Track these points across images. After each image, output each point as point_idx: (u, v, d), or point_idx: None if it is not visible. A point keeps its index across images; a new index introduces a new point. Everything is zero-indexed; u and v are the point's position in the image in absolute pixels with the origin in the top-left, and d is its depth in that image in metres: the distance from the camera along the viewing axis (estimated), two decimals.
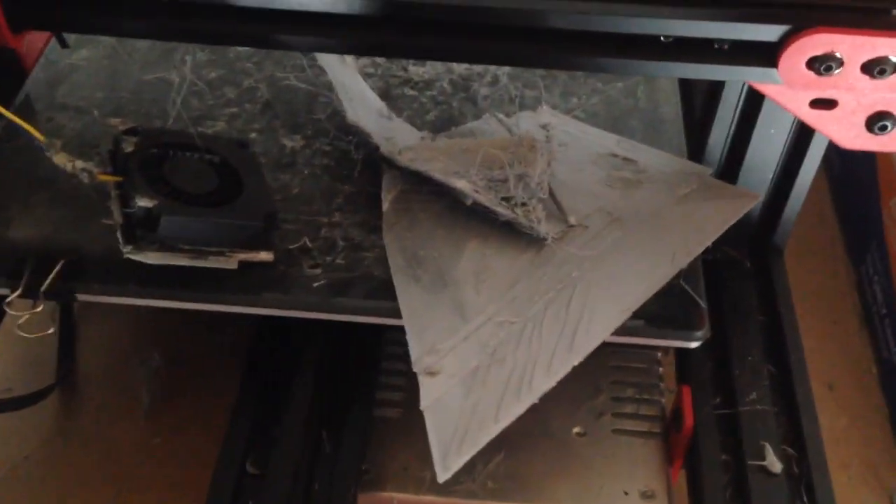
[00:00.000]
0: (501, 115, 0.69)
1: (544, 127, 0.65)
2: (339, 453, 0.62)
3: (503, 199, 0.58)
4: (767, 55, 0.55)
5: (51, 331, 0.64)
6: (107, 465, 0.76)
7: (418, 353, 0.52)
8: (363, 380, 0.66)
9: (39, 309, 0.59)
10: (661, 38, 0.55)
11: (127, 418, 0.81)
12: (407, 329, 0.53)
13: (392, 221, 0.61)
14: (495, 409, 0.49)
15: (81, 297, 0.60)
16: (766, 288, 0.73)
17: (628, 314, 0.55)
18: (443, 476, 0.47)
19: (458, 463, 0.47)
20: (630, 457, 0.67)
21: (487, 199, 0.58)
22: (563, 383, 0.70)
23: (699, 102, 0.72)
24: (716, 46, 0.55)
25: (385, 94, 0.73)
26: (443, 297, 0.55)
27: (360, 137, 0.67)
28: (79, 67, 0.76)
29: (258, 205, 0.59)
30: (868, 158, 0.92)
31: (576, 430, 0.68)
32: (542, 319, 0.54)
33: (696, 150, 0.70)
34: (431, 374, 0.51)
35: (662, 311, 0.57)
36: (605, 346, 0.73)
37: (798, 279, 0.94)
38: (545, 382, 0.50)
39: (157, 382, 0.82)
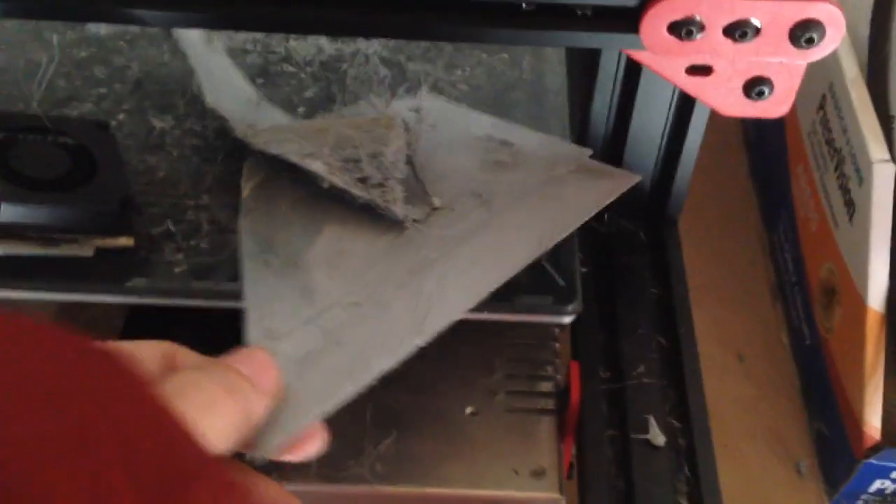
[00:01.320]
0: (376, 100, 0.67)
1: (416, 110, 0.63)
2: None
3: (359, 179, 0.56)
4: (629, 21, 0.53)
5: None
6: None
7: (255, 338, 0.49)
8: None
9: None
10: (523, 5, 0.53)
11: None
12: (246, 313, 0.51)
13: (251, 208, 0.58)
14: (325, 391, 0.47)
15: None
16: (659, 260, 0.72)
17: (482, 296, 0.53)
18: (263, 455, 0.44)
19: (280, 440, 0.45)
20: (522, 435, 0.65)
21: (342, 181, 0.56)
22: (455, 362, 0.69)
23: (581, 72, 0.70)
24: (578, 13, 0.54)
25: (263, 71, 0.70)
26: (291, 281, 0.53)
27: (220, 123, 0.64)
28: None
29: (114, 188, 0.57)
30: (778, 123, 0.92)
31: (469, 409, 0.67)
32: (391, 303, 0.52)
33: (580, 121, 0.68)
34: None
35: (533, 286, 0.56)
36: (499, 324, 0.72)
37: (713, 247, 0.94)
38: (384, 363, 0.48)
39: None
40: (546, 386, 0.69)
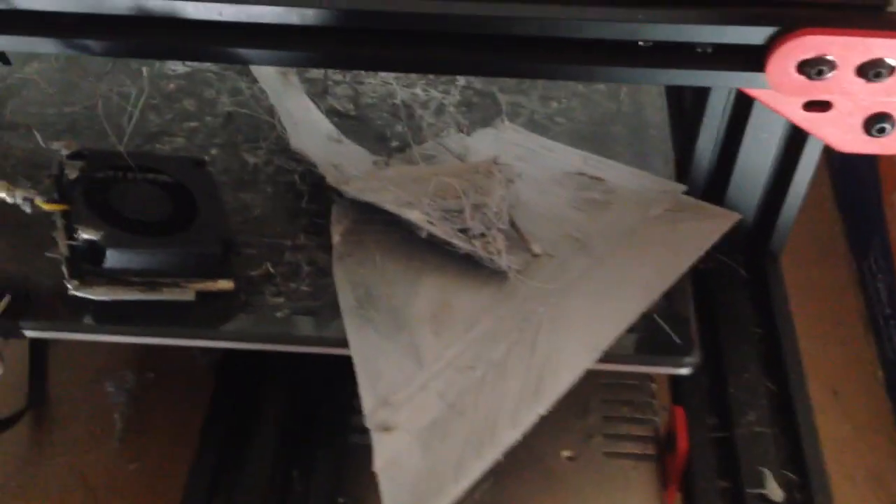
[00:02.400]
0: (451, 136, 0.65)
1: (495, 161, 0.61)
2: (310, 491, 0.58)
3: (460, 230, 0.54)
4: (754, 59, 0.50)
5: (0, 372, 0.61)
6: (83, 495, 0.73)
7: (371, 406, 0.48)
8: (335, 409, 0.63)
9: None
10: (640, 43, 0.51)
11: (101, 444, 0.78)
12: (359, 378, 0.50)
13: (342, 254, 0.57)
14: (455, 469, 0.45)
15: (30, 333, 0.57)
16: (762, 298, 0.69)
17: (598, 353, 0.51)
18: None
19: None
20: (623, 481, 0.63)
21: (443, 231, 0.54)
22: None
23: (687, 105, 0.68)
24: (698, 50, 0.51)
25: (355, 102, 0.69)
26: (398, 340, 0.51)
27: (305, 166, 0.63)
28: (29, 82, 0.72)
29: (215, 230, 0.55)
30: None
31: (565, 453, 0.65)
32: (505, 364, 0.50)
33: (683, 155, 0.66)
34: (387, 430, 0.47)
35: (648, 337, 0.54)
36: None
37: (798, 278, 0.90)
38: (509, 435, 0.47)
39: (131, 404, 0.78)
40: (644, 430, 0.66)
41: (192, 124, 0.68)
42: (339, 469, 0.60)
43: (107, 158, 0.57)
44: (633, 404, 0.68)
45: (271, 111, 0.68)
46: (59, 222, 0.55)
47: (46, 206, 0.54)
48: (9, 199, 0.53)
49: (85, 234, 0.51)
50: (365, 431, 0.62)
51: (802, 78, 0.50)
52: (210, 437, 0.60)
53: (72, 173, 0.55)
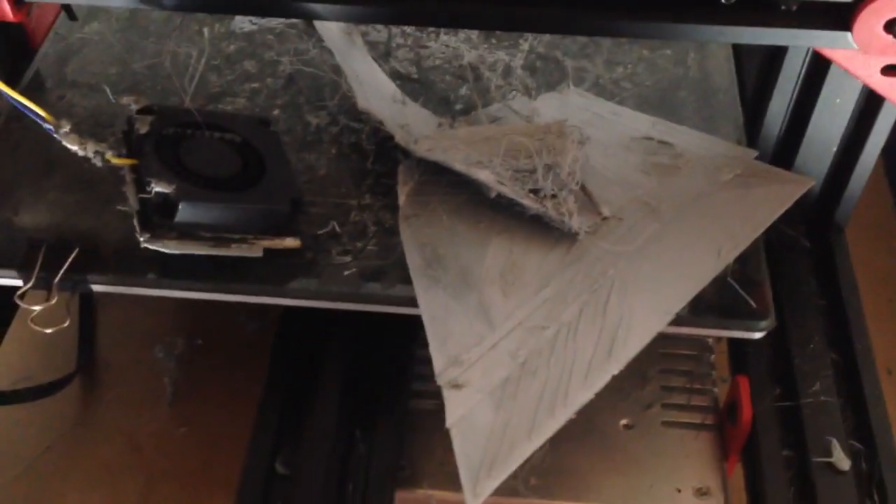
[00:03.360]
0: (517, 99, 0.64)
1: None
2: (373, 451, 0.58)
3: (531, 190, 0.53)
4: (840, 17, 0.49)
5: (66, 324, 0.61)
6: (131, 457, 0.74)
7: (442, 365, 0.48)
8: (397, 371, 0.63)
9: (53, 301, 0.56)
10: (722, 0, 0.50)
11: (151, 407, 0.78)
12: (429, 337, 0.50)
13: (409, 214, 0.56)
14: (528, 427, 0.45)
15: (97, 288, 0.57)
16: (826, 269, 0.68)
17: (670, 317, 0.50)
18: (473, 502, 0.43)
19: (489, 488, 0.44)
20: (682, 451, 0.63)
21: (513, 191, 0.53)
22: None
23: (755, 69, 0.66)
24: (783, 7, 0.50)
25: (418, 65, 0.68)
26: (467, 301, 0.51)
27: (372, 124, 0.62)
28: (90, 42, 0.72)
29: (283, 188, 0.55)
30: None
31: (623, 422, 0.64)
32: (577, 325, 0.50)
33: (751, 121, 0.65)
34: (457, 387, 0.47)
35: (720, 300, 0.53)
36: None
37: (852, 257, 0.89)
38: (582, 395, 0.47)
39: (180, 370, 0.78)
40: (703, 400, 0.66)
41: (254, 85, 0.68)
42: (400, 433, 0.60)
43: (175, 115, 0.57)
44: (692, 374, 0.67)
45: (335, 71, 0.67)
46: (129, 177, 0.55)
47: (117, 161, 0.54)
48: (80, 152, 0.53)
49: (158, 188, 0.51)
50: (426, 396, 0.63)
51: (889, 37, 0.49)
52: (271, 398, 0.60)
53: (142, 128, 0.55)
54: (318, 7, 0.50)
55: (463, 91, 0.66)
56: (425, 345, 0.66)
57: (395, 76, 0.67)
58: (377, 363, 0.62)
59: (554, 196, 0.54)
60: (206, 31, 0.72)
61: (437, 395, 0.63)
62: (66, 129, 0.53)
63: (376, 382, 0.61)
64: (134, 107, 0.56)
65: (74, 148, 0.53)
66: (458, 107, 0.65)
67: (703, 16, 0.50)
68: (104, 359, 0.81)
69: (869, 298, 0.86)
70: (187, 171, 0.53)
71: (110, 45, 0.71)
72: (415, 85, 0.67)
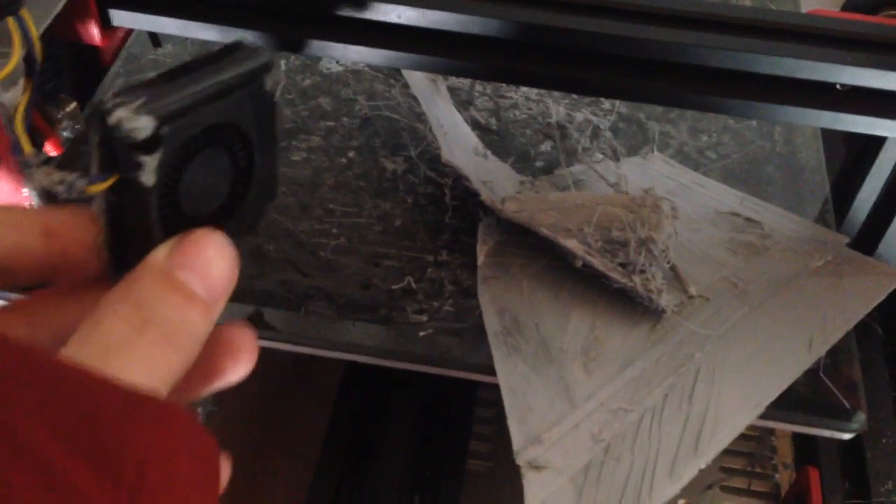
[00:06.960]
0: (602, 162, 0.62)
1: (647, 191, 0.58)
2: None
3: (620, 264, 0.51)
4: None
5: None
6: None
7: (521, 443, 0.46)
8: (458, 434, 0.61)
9: None
10: (838, 87, 0.49)
11: None
12: (507, 411, 0.48)
13: (487, 276, 0.55)
14: None
15: None
16: None
17: (760, 410, 0.48)
18: None
19: None
20: None
21: (601, 263, 0.52)
22: None
23: (841, 148, 0.65)
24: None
25: (497, 116, 0.67)
26: (548, 375, 0.49)
27: (455, 179, 0.61)
28: (163, 65, 0.70)
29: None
30: None
31: (681, 502, 0.62)
32: (662, 410, 0.48)
33: (838, 203, 0.63)
34: (537, 468, 0.45)
35: (811, 395, 0.51)
36: None
37: None
38: (668, 489, 0.45)
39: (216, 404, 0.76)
40: (765, 485, 0.64)
41: (329, 123, 0.66)
42: (459, 497, 0.58)
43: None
44: (752, 456, 0.65)
45: (416, 117, 0.66)
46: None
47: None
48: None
49: None
50: (476, 457, 0.61)
51: None
52: (332, 452, 0.58)
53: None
54: (414, 56, 0.49)
55: (544, 147, 0.65)
56: (482, 403, 0.64)
57: (475, 126, 0.66)
58: (439, 426, 0.60)
59: (643, 271, 0.52)
60: (283, 63, 0.70)
61: (489, 456, 0.62)
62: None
63: (439, 446, 0.59)
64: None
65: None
66: (539, 163, 0.64)
67: (817, 101, 0.49)
68: None
69: None
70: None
71: None
72: (493, 136, 0.65)
